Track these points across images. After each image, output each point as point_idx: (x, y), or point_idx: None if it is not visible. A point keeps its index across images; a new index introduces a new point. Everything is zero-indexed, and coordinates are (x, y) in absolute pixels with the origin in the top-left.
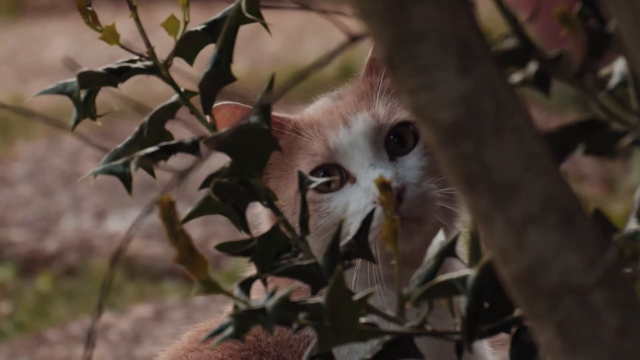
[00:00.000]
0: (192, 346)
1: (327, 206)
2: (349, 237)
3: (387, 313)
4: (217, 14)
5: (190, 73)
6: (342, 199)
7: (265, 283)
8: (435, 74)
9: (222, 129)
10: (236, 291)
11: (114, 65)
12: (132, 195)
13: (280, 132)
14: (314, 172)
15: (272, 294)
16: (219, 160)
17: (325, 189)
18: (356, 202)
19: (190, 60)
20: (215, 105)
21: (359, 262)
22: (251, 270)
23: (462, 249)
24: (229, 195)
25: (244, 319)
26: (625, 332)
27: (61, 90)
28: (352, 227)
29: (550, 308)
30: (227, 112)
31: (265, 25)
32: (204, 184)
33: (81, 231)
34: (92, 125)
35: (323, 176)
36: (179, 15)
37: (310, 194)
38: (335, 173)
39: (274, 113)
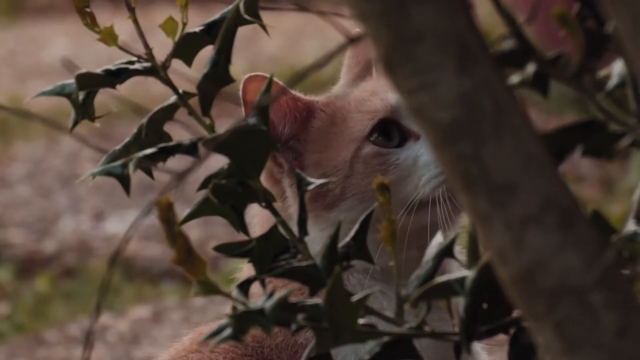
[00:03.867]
0: (193, 348)
1: (396, 158)
2: (347, 239)
3: (385, 314)
4: (216, 16)
5: (188, 74)
6: (411, 152)
7: (263, 284)
8: (434, 74)
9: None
10: (234, 292)
11: (112, 67)
12: (131, 197)
13: (309, 112)
14: (375, 128)
15: (271, 295)
16: (218, 162)
17: (387, 144)
18: (428, 154)
19: (188, 61)
20: (248, 75)
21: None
22: (244, 273)
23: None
24: (228, 197)
25: (242, 320)
26: (625, 333)
27: (60, 92)
28: (424, 179)
29: (549, 309)
30: (258, 85)
31: (263, 27)
32: (203, 185)
33: (80, 232)
34: (90, 127)
35: (380, 134)
36: (178, 17)
37: (373, 148)
38: (393, 130)
39: (300, 95)
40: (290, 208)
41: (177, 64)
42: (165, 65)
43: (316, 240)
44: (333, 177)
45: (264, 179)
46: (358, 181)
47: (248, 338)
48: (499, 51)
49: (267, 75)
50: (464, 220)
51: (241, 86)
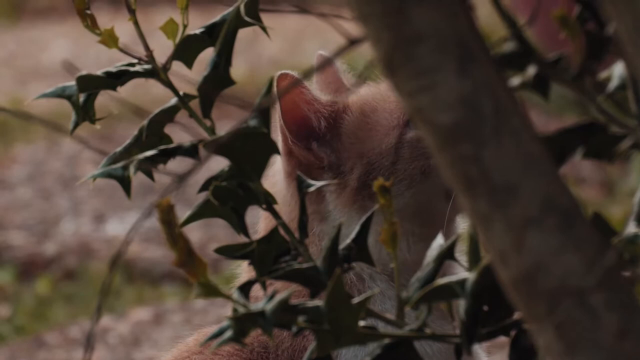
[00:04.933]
0: (197, 349)
1: None
2: (348, 240)
3: (386, 316)
4: (216, 18)
5: (189, 76)
6: None
7: (264, 286)
8: (434, 76)
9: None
10: (235, 294)
11: (113, 69)
12: (131, 199)
13: (339, 106)
14: None
15: (272, 297)
16: (218, 164)
17: None
18: None
19: (189, 63)
20: (280, 73)
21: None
22: (243, 277)
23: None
24: (228, 199)
25: (243, 322)
26: (625, 334)
27: (60, 94)
28: None
29: (549, 310)
30: (291, 81)
31: (264, 29)
32: (203, 187)
33: (80, 234)
34: (91, 129)
35: None
36: (178, 19)
37: (417, 132)
38: None
39: (323, 97)
40: (329, 205)
41: (177, 66)
42: (166, 67)
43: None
44: (385, 160)
45: (294, 184)
46: (405, 166)
47: (254, 343)
48: (500, 53)
49: (295, 74)
50: (465, 222)
51: (275, 83)
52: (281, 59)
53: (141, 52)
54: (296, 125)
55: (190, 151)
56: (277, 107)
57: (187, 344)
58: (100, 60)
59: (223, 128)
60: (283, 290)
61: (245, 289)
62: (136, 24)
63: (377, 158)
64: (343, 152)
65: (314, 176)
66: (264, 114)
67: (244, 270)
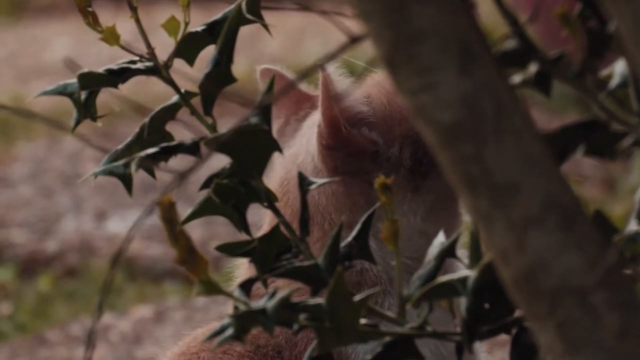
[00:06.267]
0: (206, 346)
1: None
2: (349, 238)
3: (387, 314)
4: (218, 15)
5: (190, 74)
6: None
7: (265, 284)
8: (436, 75)
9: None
10: (236, 292)
11: (114, 66)
12: (133, 196)
13: (367, 96)
14: None
15: (273, 295)
16: (220, 161)
17: None
18: None
19: (190, 61)
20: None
21: None
22: (240, 276)
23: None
24: (230, 196)
25: (244, 320)
26: (626, 334)
27: (62, 91)
28: None
29: (550, 309)
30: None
31: (265, 26)
32: (205, 185)
33: (81, 232)
34: (92, 126)
35: None
36: (179, 16)
37: None
38: None
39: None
40: None
41: (179, 64)
42: (168, 64)
43: (414, 211)
44: (424, 143)
45: (344, 178)
46: None
47: (268, 346)
48: (501, 51)
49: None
50: (467, 220)
51: (321, 78)
52: (283, 57)
53: (143, 49)
54: (344, 114)
55: (192, 149)
56: (322, 98)
57: (197, 339)
58: (101, 57)
59: (224, 125)
60: (284, 288)
61: (246, 286)
62: (138, 21)
63: (419, 137)
64: (387, 135)
65: (362, 166)
66: (265, 112)
67: (242, 270)
